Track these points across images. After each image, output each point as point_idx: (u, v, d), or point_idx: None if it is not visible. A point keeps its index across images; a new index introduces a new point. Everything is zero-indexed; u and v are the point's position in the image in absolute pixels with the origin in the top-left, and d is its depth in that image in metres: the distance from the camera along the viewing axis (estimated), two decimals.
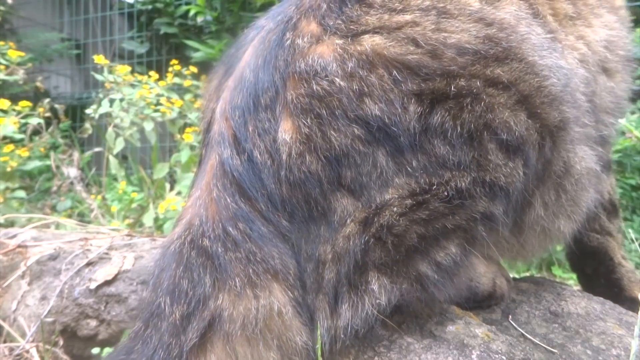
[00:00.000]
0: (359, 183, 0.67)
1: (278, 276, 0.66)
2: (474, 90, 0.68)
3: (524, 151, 0.72)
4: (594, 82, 0.89)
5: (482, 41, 0.71)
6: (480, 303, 0.87)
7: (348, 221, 0.67)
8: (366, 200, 0.67)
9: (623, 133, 2.52)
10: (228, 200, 0.69)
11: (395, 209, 0.67)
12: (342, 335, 0.68)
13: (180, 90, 3.02)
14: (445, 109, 0.68)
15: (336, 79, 0.68)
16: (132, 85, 2.82)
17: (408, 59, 0.69)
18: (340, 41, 0.71)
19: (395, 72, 0.68)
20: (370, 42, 0.70)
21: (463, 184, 0.68)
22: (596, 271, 1.08)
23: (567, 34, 0.89)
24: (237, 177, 0.69)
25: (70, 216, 2.85)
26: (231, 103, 0.74)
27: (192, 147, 2.58)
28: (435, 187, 0.67)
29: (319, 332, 0.79)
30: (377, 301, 0.68)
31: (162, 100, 2.76)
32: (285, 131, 0.69)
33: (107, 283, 1.20)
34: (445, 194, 0.67)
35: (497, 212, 0.72)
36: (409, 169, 0.67)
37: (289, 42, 0.74)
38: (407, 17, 0.73)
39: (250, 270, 0.65)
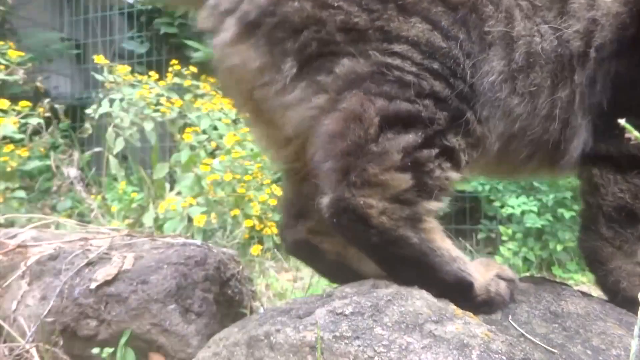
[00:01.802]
0: None
1: None
2: None
3: None
4: None
5: None
6: (478, 307, 0.88)
7: None
8: None
9: None
10: None
11: None
12: None
13: (180, 90, 3.02)
14: None
15: None
16: (132, 85, 2.83)
17: None
18: None
19: None
20: None
21: None
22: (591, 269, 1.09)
23: None
24: None
25: (70, 216, 2.85)
26: None
27: (192, 147, 2.59)
28: None
29: (319, 333, 0.79)
30: None
31: (162, 100, 2.76)
32: None
33: (107, 283, 1.20)
34: None
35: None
36: None
37: None
38: None
39: None
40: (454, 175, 0.92)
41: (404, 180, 0.87)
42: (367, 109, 0.87)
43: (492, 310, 0.88)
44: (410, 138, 0.87)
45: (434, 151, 0.89)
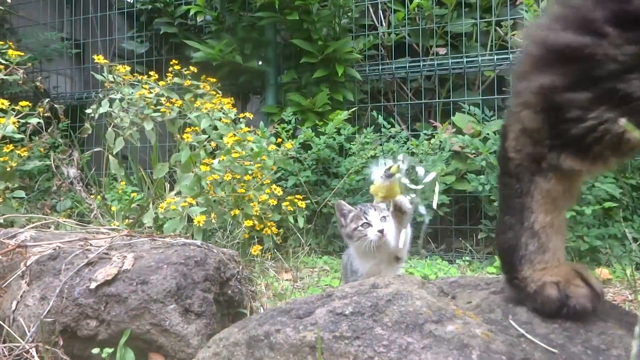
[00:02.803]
0: None
1: None
2: None
3: None
4: None
5: None
6: (511, 288, 0.85)
7: None
8: None
9: None
10: None
11: None
12: None
13: (180, 90, 3.01)
14: None
15: None
16: (132, 85, 2.82)
17: None
18: None
19: None
20: None
21: None
22: None
23: None
24: None
25: (70, 216, 2.85)
26: None
27: (192, 147, 2.58)
28: None
29: (319, 333, 0.79)
30: None
31: (162, 100, 2.76)
32: None
33: (107, 283, 1.20)
34: None
35: None
36: None
37: None
38: None
39: None
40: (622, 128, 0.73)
41: (534, 120, 0.80)
42: (535, 39, 0.80)
43: (562, 314, 0.82)
44: (549, 78, 0.76)
45: (587, 94, 0.73)
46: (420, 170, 1.37)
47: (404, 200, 1.42)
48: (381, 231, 1.47)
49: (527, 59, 0.81)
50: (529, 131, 0.81)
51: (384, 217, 1.52)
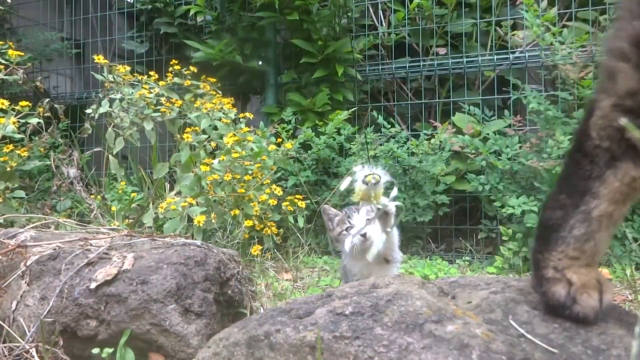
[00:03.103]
0: None
1: None
2: None
3: None
4: None
5: None
6: (552, 308, 0.82)
7: None
8: None
9: None
10: None
11: None
12: None
13: (180, 90, 3.01)
14: None
15: None
16: (132, 85, 2.82)
17: None
18: None
19: None
20: None
21: None
22: None
23: None
24: None
25: (70, 216, 2.85)
26: None
27: (192, 147, 2.59)
28: None
29: (319, 333, 0.79)
30: None
31: (162, 100, 2.76)
32: None
33: (107, 283, 1.20)
34: None
35: None
36: None
37: None
38: None
39: None
40: None
41: (631, 78, 0.68)
42: None
43: (566, 315, 0.80)
44: None
45: None
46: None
47: (387, 203, 1.44)
48: (364, 235, 1.47)
49: (624, 14, 0.70)
50: (624, 96, 0.69)
51: (368, 219, 1.52)
